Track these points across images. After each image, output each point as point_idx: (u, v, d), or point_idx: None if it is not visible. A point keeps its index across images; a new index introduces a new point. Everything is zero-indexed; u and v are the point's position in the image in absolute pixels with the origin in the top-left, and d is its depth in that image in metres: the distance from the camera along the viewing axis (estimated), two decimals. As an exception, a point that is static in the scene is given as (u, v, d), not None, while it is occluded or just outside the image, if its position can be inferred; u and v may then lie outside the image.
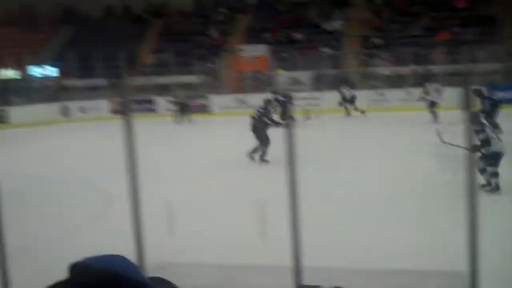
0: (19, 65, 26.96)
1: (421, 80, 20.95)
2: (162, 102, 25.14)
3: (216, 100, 24.87)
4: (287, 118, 19.74)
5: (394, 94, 22.50)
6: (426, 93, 18.82)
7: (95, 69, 27.04)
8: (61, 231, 8.61)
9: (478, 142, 9.20)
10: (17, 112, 23.97)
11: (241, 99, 24.45)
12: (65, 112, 25.10)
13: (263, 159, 13.15)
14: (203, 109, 24.72)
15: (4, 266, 4.09)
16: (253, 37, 28.44)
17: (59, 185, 12.10)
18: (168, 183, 11.53)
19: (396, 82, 23.27)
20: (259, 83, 25.72)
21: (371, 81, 23.83)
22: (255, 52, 26.63)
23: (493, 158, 9.37)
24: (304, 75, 25.15)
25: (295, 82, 25.18)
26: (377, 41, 26.51)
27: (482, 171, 9.34)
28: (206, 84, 25.79)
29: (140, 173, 4.29)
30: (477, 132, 9.25)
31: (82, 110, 25.29)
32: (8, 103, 25.16)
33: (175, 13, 31.30)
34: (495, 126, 14.42)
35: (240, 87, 25.81)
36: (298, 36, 27.94)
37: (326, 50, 26.16)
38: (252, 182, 11.57)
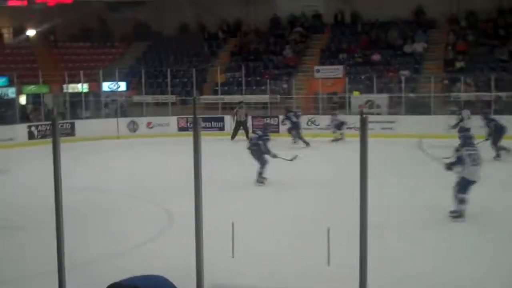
0: (91, 79, 27.90)
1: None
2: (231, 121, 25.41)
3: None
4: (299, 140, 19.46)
5: (476, 121, 21.70)
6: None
7: (165, 85, 27.67)
8: (121, 248, 8.68)
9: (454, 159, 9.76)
10: (84, 126, 24.79)
11: (312, 121, 24.32)
12: (133, 127, 25.73)
13: (260, 180, 13.34)
14: (276, 129, 24.73)
15: (62, 280, 4.10)
16: (328, 57, 28.32)
17: (122, 201, 12.30)
18: (231, 202, 11.50)
19: (478, 108, 22.46)
20: (334, 105, 25.51)
21: (451, 107, 23.15)
22: (330, 73, 26.47)
23: (463, 184, 9.65)
24: (380, 98, 24.75)
25: (371, 105, 24.80)
26: (460, 64, 25.78)
27: (454, 196, 9.73)
28: (279, 104, 25.82)
29: (204, 192, 4.22)
30: (457, 150, 9.94)
31: (150, 126, 25.85)
32: (77, 116, 26.10)
33: (250, 32, 31.67)
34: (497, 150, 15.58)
35: (313, 109, 25.68)
36: (376, 57, 27.58)
37: (405, 73, 25.66)
38: (320, 203, 11.39)
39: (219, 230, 7.47)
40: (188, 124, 24.99)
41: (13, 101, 25.54)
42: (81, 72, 26.14)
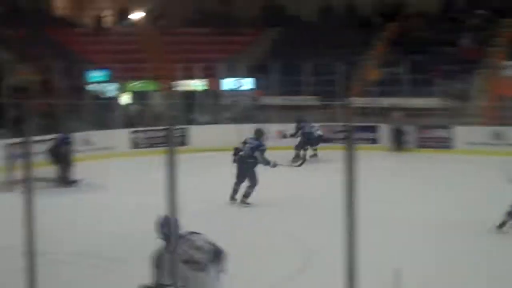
0: (209, 74, 28.66)
1: None
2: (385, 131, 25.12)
3: (462, 133, 24.05)
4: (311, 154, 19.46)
5: None
6: None
7: (302, 84, 27.83)
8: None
9: None
10: (200, 133, 25.38)
11: (496, 134, 23.41)
12: (260, 136, 26.00)
13: (244, 201, 14.59)
14: (444, 144, 24.10)
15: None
16: (522, 49, 27.20)
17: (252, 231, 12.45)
18: (392, 242, 11.26)
19: None
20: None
21: None
22: (523, 71, 25.46)
23: None
24: None
25: None
26: None
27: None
28: (451, 111, 25.13)
29: (356, 223, 4.08)
30: None
31: (280, 134, 26.05)
32: (191, 121, 26.88)
33: (415, 16, 31.16)
34: None
35: (497, 118, 24.72)
36: None
37: None
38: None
39: (377, 278, 7.27)
40: (332, 134, 24.96)
41: (113, 101, 26.78)
42: (197, 65, 26.93)
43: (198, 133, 25.36)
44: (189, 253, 5.71)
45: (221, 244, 6.16)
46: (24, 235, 3.62)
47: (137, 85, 28.53)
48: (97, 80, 27.77)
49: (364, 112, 26.28)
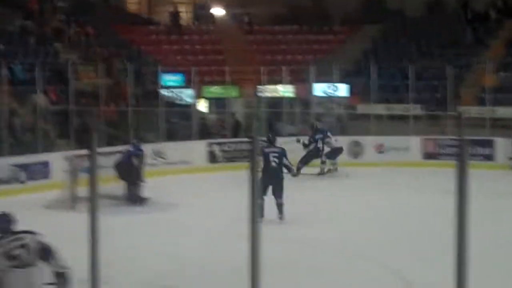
0: (297, 78, 28.67)
1: None
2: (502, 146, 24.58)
3: None
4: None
5: None
6: None
7: (405, 90, 27.50)
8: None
9: None
10: (285, 146, 25.08)
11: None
12: (355, 151, 25.88)
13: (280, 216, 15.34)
14: None
15: None
16: None
17: (334, 258, 12.40)
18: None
19: None
20: None
21: None
22: None
23: None
24: None
25: None
26: None
27: None
28: None
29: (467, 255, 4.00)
30: None
31: (380, 150, 25.82)
32: (276, 132, 26.89)
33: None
34: None
35: None
36: None
37: None
38: None
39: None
40: (439, 149, 24.58)
41: (189, 109, 27.05)
42: (285, 68, 27.00)
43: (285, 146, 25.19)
44: (13, 249, 6.49)
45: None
46: (86, 260, 3.68)
47: (216, 90, 28.76)
48: (172, 85, 28.11)
49: (478, 123, 25.78)
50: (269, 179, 15.29)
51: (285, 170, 15.87)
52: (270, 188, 15.32)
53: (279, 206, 15.39)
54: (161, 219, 16.20)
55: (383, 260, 11.99)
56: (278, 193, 15.46)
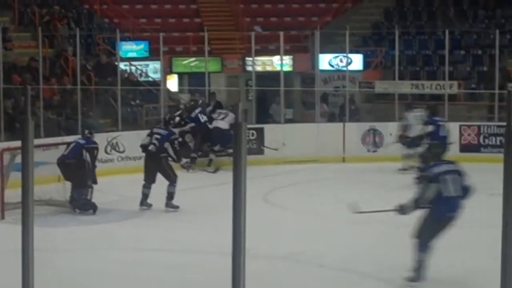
0: (298, 48, 28.60)
1: None
2: None
3: None
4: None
5: None
6: None
7: (439, 62, 27.49)
8: None
9: None
10: (281, 135, 25.29)
11: None
12: (372, 142, 25.73)
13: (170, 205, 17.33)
14: None
15: None
16: None
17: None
18: None
19: None
20: None
21: None
22: None
23: None
24: None
25: None
26: None
27: None
28: None
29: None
30: None
31: (401, 138, 25.76)
32: (268, 117, 26.87)
33: None
34: None
35: None
36: None
37: None
38: None
39: None
40: (482, 140, 24.61)
41: (155, 87, 26.86)
42: (281, 34, 26.93)
43: (278, 137, 25.28)
44: None
45: None
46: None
47: (190, 63, 28.67)
48: (133, 57, 28.05)
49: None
50: (150, 163, 17.79)
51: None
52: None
53: (167, 195, 17.52)
54: (116, 231, 16.16)
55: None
56: (166, 180, 17.51)
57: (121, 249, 14.62)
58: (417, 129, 22.05)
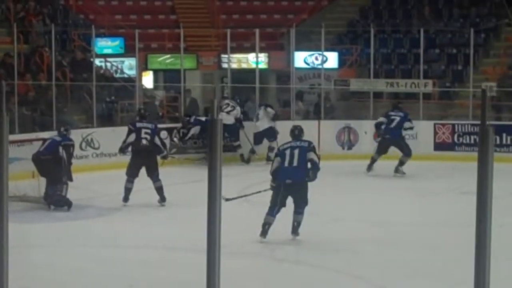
0: (273, 45, 28.59)
1: None
2: None
3: None
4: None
5: None
6: None
7: (413, 60, 27.58)
8: None
9: None
10: (252, 131, 25.18)
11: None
12: (344, 139, 25.79)
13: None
14: None
15: None
16: None
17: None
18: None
19: None
20: None
21: None
22: None
23: None
24: None
25: None
26: None
27: None
28: None
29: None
30: None
31: (377, 136, 25.82)
32: (245, 116, 26.85)
33: None
34: None
35: None
36: None
37: None
38: None
39: None
40: (453, 138, 24.71)
41: (130, 83, 26.79)
42: (256, 31, 26.91)
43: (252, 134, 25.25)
44: None
45: None
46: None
47: (165, 60, 28.63)
48: (108, 53, 27.95)
49: (508, 104, 25.91)
50: (141, 158, 17.90)
51: None
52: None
53: (158, 190, 17.76)
54: (90, 227, 16.15)
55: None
56: (152, 175, 17.78)
57: (95, 246, 14.58)
58: None
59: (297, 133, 15.67)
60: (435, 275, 12.68)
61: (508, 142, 24.50)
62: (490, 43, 29.04)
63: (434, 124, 25.39)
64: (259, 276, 12.90)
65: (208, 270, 3.92)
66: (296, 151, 15.04)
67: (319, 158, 15.30)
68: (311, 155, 14.96)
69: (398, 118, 22.39)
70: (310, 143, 15.44)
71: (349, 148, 25.83)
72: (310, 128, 25.01)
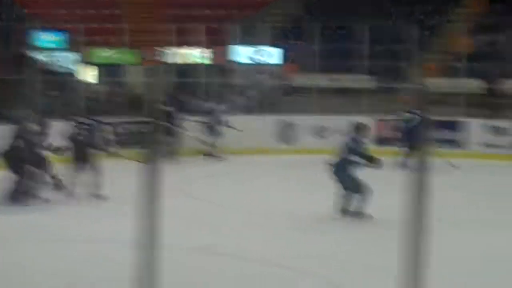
0: (217, 41, 28.70)
1: None
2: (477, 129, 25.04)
3: None
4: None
5: None
6: None
7: (355, 57, 27.82)
8: None
9: None
10: (195, 127, 25.33)
11: None
12: (285, 134, 25.99)
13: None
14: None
15: None
16: None
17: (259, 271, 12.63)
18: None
19: None
20: None
21: None
22: None
23: None
24: None
25: None
26: None
27: None
28: None
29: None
30: None
31: (317, 131, 26.00)
32: (188, 110, 26.95)
33: None
34: None
35: None
36: None
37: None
38: None
39: None
40: (396, 133, 24.98)
41: (71, 78, 26.78)
42: (198, 27, 26.98)
43: (196, 128, 25.41)
44: None
45: None
46: None
47: (107, 54, 28.63)
48: (50, 47, 27.87)
49: (445, 100, 26.19)
50: (81, 154, 18.36)
51: None
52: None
53: (97, 184, 18.12)
54: (35, 221, 16.15)
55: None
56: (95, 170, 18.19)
57: (36, 240, 14.58)
58: None
59: None
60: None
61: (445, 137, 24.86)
62: (433, 40, 29.32)
63: (375, 120, 25.70)
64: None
65: (144, 266, 3.99)
66: None
67: None
68: None
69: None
70: None
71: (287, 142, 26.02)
72: (252, 123, 25.25)
